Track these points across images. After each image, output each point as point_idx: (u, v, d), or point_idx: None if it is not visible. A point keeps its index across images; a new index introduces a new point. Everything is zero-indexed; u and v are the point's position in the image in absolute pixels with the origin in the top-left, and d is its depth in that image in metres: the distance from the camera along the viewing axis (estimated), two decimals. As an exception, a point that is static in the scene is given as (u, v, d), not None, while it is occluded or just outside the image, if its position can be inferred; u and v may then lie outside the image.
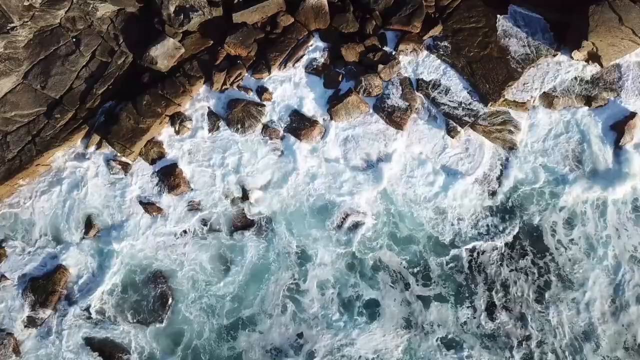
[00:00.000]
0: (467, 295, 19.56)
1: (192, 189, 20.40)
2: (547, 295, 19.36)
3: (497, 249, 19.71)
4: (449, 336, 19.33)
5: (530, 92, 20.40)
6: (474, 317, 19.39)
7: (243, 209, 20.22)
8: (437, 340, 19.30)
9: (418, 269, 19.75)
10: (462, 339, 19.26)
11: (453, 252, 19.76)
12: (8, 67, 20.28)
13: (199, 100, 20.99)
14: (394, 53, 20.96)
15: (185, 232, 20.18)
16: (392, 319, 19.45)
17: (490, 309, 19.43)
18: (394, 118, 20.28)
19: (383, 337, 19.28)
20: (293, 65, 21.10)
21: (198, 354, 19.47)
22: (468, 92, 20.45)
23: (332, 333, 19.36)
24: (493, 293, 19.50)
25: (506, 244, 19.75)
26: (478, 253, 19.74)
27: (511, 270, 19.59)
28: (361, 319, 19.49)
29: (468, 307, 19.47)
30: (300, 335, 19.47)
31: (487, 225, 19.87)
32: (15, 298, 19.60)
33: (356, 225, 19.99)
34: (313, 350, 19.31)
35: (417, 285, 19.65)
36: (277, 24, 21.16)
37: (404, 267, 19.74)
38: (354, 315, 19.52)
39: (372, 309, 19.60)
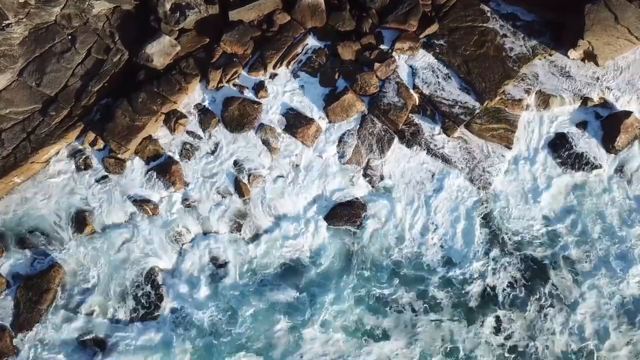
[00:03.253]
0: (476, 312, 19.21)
1: (188, 187, 20.34)
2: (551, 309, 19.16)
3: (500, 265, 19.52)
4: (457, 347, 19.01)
5: (526, 90, 20.41)
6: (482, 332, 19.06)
7: (240, 210, 20.17)
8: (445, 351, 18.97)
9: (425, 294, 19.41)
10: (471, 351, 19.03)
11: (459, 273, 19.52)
12: (3, 64, 20.19)
13: (195, 98, 20.95)
14: (390, 51, 20.97)
15: (183, 229, 20.14)
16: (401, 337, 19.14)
17: (497, 324, 19.08)
18: (390, 116, 20.27)
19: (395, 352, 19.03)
20: (289, 63, 21.09)
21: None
22: (464, 91, 20.45)
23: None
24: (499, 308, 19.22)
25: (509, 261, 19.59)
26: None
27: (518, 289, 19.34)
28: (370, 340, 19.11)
29: (479, 325, 19.09)
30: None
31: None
32: (10, 295, 19.53)
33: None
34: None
35: (425, 307, 19.31)
36: (274, 22, 21.17)
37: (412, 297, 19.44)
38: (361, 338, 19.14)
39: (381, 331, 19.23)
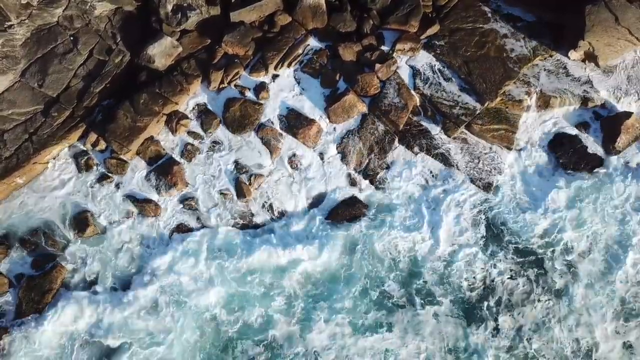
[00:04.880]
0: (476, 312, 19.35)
1: (189, 188, 20.39)
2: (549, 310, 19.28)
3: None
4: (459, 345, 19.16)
5: (527, 91, 20.45)
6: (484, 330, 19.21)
7: (241, 210, 20.22)
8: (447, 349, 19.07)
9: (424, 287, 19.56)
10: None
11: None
12: (5, 65, 20.26)
13: (196, 99, 21.01)
14: (391, 52, 21.02)
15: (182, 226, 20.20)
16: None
17: (497, 323, 19.22)
18: (391, 117, 20.32)
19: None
20: (290, 64, 21.14)
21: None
22: (465, 92, 20.50)
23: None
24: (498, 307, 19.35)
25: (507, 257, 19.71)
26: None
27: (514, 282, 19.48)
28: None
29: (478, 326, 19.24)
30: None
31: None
32: (12, 295, 19.59)
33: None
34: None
35: (424, 303, 19.41)
36: (275, 23, 21.22)
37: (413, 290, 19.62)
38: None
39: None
